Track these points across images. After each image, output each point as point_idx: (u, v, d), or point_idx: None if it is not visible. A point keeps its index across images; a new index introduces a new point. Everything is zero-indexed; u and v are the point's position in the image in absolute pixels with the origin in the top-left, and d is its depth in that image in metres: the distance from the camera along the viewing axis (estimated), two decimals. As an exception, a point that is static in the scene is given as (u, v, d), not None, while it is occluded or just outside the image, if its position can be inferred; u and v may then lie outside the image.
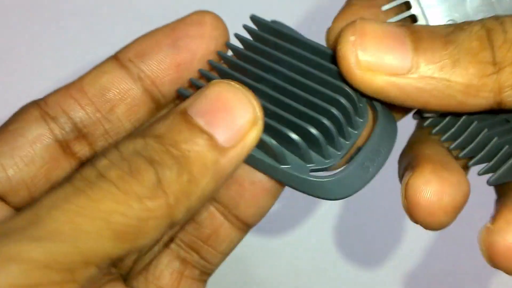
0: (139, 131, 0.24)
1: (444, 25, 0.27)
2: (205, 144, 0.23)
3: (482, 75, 0.25)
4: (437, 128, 0.30)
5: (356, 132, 0.28)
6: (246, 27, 0.30)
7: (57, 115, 0.29)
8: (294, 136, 0.27)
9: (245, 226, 0.31)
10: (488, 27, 0.25)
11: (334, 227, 0.56)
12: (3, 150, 0.28)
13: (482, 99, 0.25)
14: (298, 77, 0.28)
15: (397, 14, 0.29)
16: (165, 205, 0.22)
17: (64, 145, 0.29)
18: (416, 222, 0.28)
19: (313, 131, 0.27)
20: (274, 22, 0.30)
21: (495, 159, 0.29)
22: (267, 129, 0.26)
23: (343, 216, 0.56)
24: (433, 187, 0.27)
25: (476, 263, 0.56)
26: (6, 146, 0.28)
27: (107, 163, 0.23)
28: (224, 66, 0.29)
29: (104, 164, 0.23)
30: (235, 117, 0.24)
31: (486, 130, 0.29)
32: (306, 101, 0.28)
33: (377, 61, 0.25)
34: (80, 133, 0.29)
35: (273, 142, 0.27)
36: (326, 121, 0.27)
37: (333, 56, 0.28)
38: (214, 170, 0.24)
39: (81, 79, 0.29)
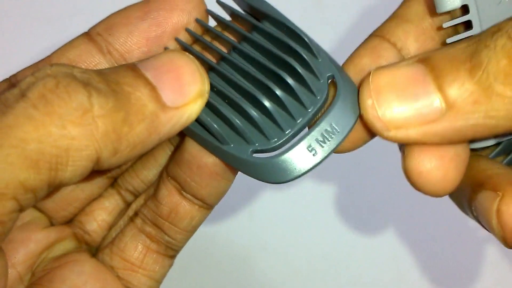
0: None
1: (463, 43, 0.24)
2: (148, 94, 0.22)
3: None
4: (495, 152, 0.28)
5: (309, 110, 0.26)
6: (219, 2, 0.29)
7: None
8: (231, 116, 0.26)
9: (205, 205, 0.30)
10: None
11: (334, 227, 0.56)
12: None
13: None
14: (257, 57, 0.27)
15: (452, 18, 0.27)
16: (91, 136, 0.20)
17: None
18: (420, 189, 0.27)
19: (252, 112, 0.26)
20: None
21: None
22: (213, 108, 0.26)
23: (343, 217, 0.56)
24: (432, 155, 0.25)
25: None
26: None
27: (31, 80, 0.20)
28: (188, 44, 0.29)
29: (28, 81, 0.20)
30: (183, 82, 0.23)
31: None
32: (255, 81, 0.27)
33: (404, 116, 0.24)
34: None
35: (209, 120, 0.26)
36: (266, 102, 0.26)
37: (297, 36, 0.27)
38: (151, 121, 0.22)
39: (50, 54, 0.28)
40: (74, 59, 0.27)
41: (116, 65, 0.28)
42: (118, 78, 0.22)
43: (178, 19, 0.28)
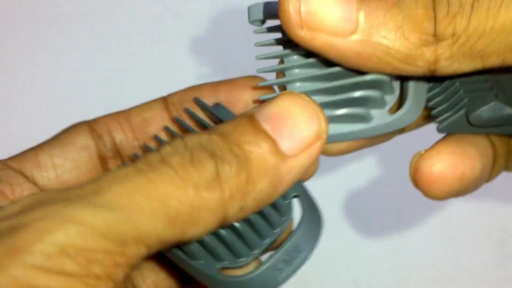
0: (207, 129, 0.26)
1: None
2: (267, 148, 0.24)
3: (421, 45, 0.25)
4: (433, 100, 0.30)
5: (275, 231, 0.28)
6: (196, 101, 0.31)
7: (103, 133, 0.31)
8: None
9: None
10: (435, 3, 0.25)
11: (334, 227, 0.56)
12: (55, 152, 0.30)
13: (418, 68, 0.26)
14: None
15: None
16: (220, 198, 0.23)
17: (102, 160, 0.31)
18: (419, 186, 0.30)
19: (222, 231, 0.27)
20: (216, 106, 0.31)
21: (451, 110, 0.30)
22: None
23: (343, 217, 0.56)
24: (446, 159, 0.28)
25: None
26: (57, 149, 0.31)
27: (170, 150, 0.24)
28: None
29: (168, 151, 0.23)
30: (301, 127, 0.25)
31: (457, 84, 0.30)
32: None
33: (319, 20, 0.25)
34: (118, 153, 0.31)
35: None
36: (236, 222, 0.27)
37: None
38: (273, 174, 0.24)
39: (129, 109, 0.32)
40: (148, 120, 0.31)
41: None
42: (239, 138, 0.24)
43: (242, 107, 0.31)
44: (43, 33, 0.59)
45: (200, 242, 0.27)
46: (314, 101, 0.25)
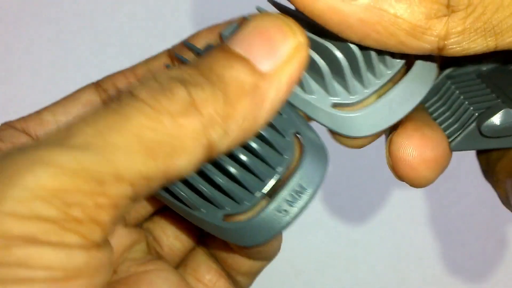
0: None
1: None
2: (241, 69, 0.23)
3: (432, 16, 0.24)
4: (434, 113, 0.30)
5: (276, 170, 0.27)
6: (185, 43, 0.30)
7: (108, 88, 0.31)
8: (198, 185, 0.26)
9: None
10: None
11: (334, 227, 0.56)
12: (58, 110, 0.30)
13: (425, 43, 0.24)
14: None
15: None
16: (199, 124, 0.22)
17: None
18: (400, 178, 0.28)
19: (218, 179, 0.26)
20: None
21: (458, 122, 0.29)
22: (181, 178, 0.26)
23: (343, 217, 0.56)
24: (415, 142, 0.27)
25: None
26: (61, 107, 0.30)
27: (139, 84, 0.23)
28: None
29: (136, 86, 0.23)
30: (275, 42, 0.23)
31: (459, 95, 0.29)
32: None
33: None
34: None
35: (177, 189, 0.27)
36: (231, 168, 0.26)
37: None
38: (253, 93, 0.23)
39: (136, 64, 0.31)
40: (153, 69, 0.31)
41: None
42: (209, 64, 0.23)
43: None
44: (43, 33, 0.59)
45: (199, 192, 0.26)
46: (284, 15, 0.24)
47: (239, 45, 0.23)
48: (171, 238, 0.32)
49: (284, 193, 0.26)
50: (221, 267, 0.32)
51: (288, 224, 0.26)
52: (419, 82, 0.27)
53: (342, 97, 0.27)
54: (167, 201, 0.28)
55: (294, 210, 0.26)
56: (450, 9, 0.24)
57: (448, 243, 0.56)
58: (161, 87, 0.22)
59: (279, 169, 0.26)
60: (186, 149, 0.22)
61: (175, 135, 0.22)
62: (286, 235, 0.59)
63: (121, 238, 0.30)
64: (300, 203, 0.26)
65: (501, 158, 0.29)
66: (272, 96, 0.23)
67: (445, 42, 0.24)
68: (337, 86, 0.27)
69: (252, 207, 0.27)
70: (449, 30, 0.24)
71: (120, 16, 0.58)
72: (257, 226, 0.26)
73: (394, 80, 0.27)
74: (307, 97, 0.27)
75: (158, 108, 0.22)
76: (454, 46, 0.24)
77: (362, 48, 0.26)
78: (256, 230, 0.26)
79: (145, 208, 0.31)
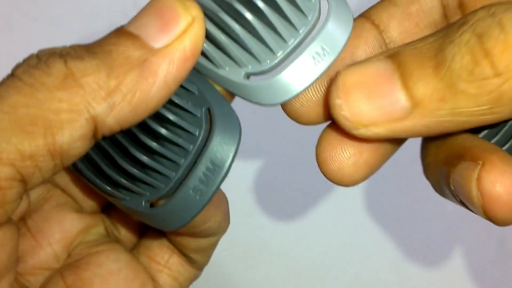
0: None
1: (431, 37, 0.24)
2: (129, 44, 0.23)
3: (488, 92, 0.22)
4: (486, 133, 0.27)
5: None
6: None
7: None
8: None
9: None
10: (479, 32, 0.22)
11: (334, 227, 0.56)
12: None
13: (500, 114, 0.23)
14: None
15: None
16: (78, 96, 0.21)
17: None
18: (492, 218, 0.24)
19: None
20: None
21: None
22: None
23: (343, 216, 0.56)
24: (510, 179, 0.23)
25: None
26: None
27: (19, 63, 0.22)
28: None
29: (16, 65, 0.22)
30: (165, 20, 0.23)
31: None
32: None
33: (371, 115, 0.24)
34: None
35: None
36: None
37: None
38: (142, 67, 0.22)
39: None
40: None
41: None
42: (100, 42, 0.23)
43: None
44: (43, 33, 0.59)
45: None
46: None
47: (133, 25, 0.23)
48: (126, 222, 0.33)
49: (197, 173, 0.26)
50: (173, 245, 0.32)
51: (204, 203, 0.26)
52: (335, 33, 0.26)
53: (253, 65, 0.26)
54: (100, 193, 0.28)
55: (208, 189, 0.26)
56: (502, 78, 0.21)
57: (448, 243, 0.56)
58: (37, 61, 0.22)
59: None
60: (66, 123, 0.21)
61: (52, 109, 0.21)
62: (286, 234, 0.59)
63: (73, 223, 0.31)
64: (213, 181, 0.26)
65: (439, 148, 0.27)
66: (164, 70, 0.23)
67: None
68: (245, 55, 0.26)
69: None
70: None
71: (119, 16, 0.58)
72: (175, 209, 0.26)
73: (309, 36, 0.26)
74: (220, 71, 0.27)
75: (32, 83, 0.21)
76: None
77: (270, 4, 0.25)
78: (175, 213, 0.26)
79: (100, 197, 0.32)
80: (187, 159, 0.26)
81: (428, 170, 0.28)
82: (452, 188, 0.25)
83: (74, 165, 0.28)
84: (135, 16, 0.24)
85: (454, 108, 0.22)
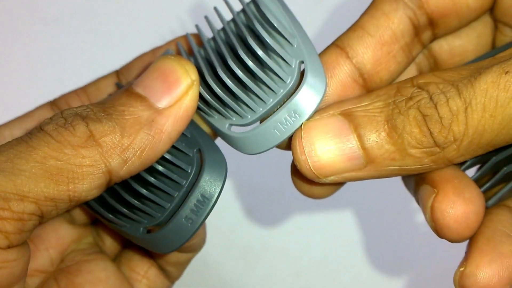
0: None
1: (378, 101, 0.28)
2: (139, 105, 0.27)
3: (429, 155, 0.27)
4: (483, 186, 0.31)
5: (183, 184, 0.30)
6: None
7: (62, 106, 0.34)
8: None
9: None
10: (424, 112, 0.27)
11: (334, 227, 0.56)
12: (15, 125, 0.34)
13: (438, 166, 0.28)
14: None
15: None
16: (98, 153, 0.26)
17: None
18: (444, 238, 0.30)
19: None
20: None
21: (497, 185, 0.31)
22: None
23: (343, 217, 0.56)
24: (459, 210, 0.28)
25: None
26: (18, 123, 0.34)
27: (47, 120, 0.27)
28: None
29: (45, 121, 0.27)
30: (169, 80, 0.28)
31: (494, 160, 0.30)
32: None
33: (332, 168, 0.28)
34: None
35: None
36: (136, 186, 0.30)
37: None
38: (150, 126, 0.27)
39: (88, 83, 0.35)
40: (101, 87, 0.35)
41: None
42: (113, 102, 0.27)
43: None
44: (44, 33, 0.59)
45: (120, 212, 0.31)
46: (180, 56, 0.29)
47: (140, 86, 0.28)
48: (111, 235, 0.37)
49: (189, 204, 0.30)
50: (152, 259, 0.36)
51: (194, 230, 0.30)
52: (306, 100, 0.29)
53: (236, 119, 0.31)
54: (102, 220, 0.33)
55: (198, 218, 0.30)
56: (440, 147, 0.27)
57: (448, 242, 0.56)
58: (64, 122, 0.26)
59: (183, 183, 0.30)
60: (86, 175, 0.26)
61: (76, 163, 0.26)
62: (286, 234, 0.59)
63: (67, 232, 0.35)
64: (202, 211, 0.30)
65: None
66: (169, 128, 0.27)
67: (451, 162, 0.28)
68: (229, 111, 0.31)
69: (164, 218, 0.31)
70: (449, 157, 0.27)
71: (120, 19, 0.58)
72: (169, 235, 0.30)
73: (287, 97, 0.30)
74: (210, 119, 0.31)
75: (60, 140, 0.26)
76: (460, 159, 0.27)
77: (251, 71, 0.29)
78: (169, 238, 0.30)
79: (90, 213, 0.37)
80: (180, 192, 0.30)
81: (404, 178, 0.33)
82: (419, 203, 0.30)
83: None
84: (141, 76, 0.28)
85: (402, 166, 0.28)
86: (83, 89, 0.35)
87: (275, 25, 0.29)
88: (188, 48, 0.33)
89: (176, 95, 0.27)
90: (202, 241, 0.36)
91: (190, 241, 0.32)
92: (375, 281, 0.55)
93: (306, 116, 0.29)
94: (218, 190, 0.30)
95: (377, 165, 0.28)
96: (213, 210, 0.32)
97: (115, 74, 0.35)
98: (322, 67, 0.30)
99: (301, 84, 0.29)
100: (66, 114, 0.27)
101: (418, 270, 0.55)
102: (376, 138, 0.28)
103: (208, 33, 0.32)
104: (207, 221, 0.31)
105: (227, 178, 0.31)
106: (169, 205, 0.30)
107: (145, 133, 0.27)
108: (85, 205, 0.32)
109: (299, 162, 0.29)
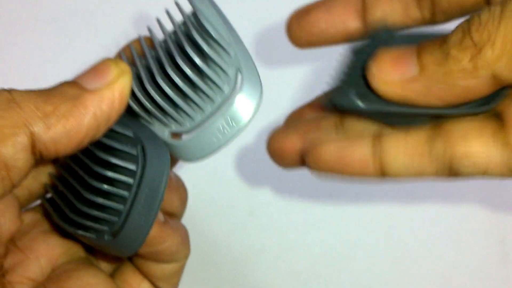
0: None
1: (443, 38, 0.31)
2: (68, 86, 0.28)
3: (470, 58, 0.29)
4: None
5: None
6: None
7: None
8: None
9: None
10: (468, 23, 0.29)
11: (334, 227, 0.56)
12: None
13: (481, 79, 0.29)
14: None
15: None
16: (18, 115, 0.27)
17: None
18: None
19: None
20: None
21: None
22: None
23: (343, 217, 0.56)
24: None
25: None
26: None
27: None
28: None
29: None
30: (99, 71, 0.29)
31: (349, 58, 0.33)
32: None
33: (393, 77, 0.31)
34: None
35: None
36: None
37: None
38: (75, 100, 0.28)
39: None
40: None
41: None
42: (48, 89, 0.28)
43: None
44: (44, 33, 0.59)
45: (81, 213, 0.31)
46: (116, 58, 0.31)
47: (76, 77, 0.29)
48: (103, 255, 0.37)
49: (139, 200, 0.31)
50: (143, 275, 0.37)
51: (150, 225, 0.31)
52: (243, 108, 0.31)
53: (175, 126, 0.32)
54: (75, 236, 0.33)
55: (150, 212, 0.31)
56: (478, 47, 0.29)
57: (448, 243, 0.56)
58: None
59: (132, 182, 0.31)
60: (8, 137, 0.26)
61: None
62: (286, 234, 0.59)
63: (57, 243, 0.35)
64: (152, 205, 0.31)
65: None
66: (94, 105, 0.28)
67: (494, 71, 0.29)
68: (168, 118, 0.32)
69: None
70: (488, 59, 0.29)
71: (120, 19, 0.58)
72: (129, 235, 0.31)
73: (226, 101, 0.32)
74: (151, 126, 0.32)
75: None
76: (504, 70, 0.29)
77: (189, 81, 0.31)
78: (130, 238, 0.31)
79: None
80: (131, 192, 0.31)
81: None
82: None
83: (48, 216, 0.34)
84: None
85: (447, 71, 0.29)
86: None
87: (212, 34, 0.31)
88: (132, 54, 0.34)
89: (105, 81, 0.29)
90: (184, 248, 0.36)
91: (164, 242, 0.33)
92: (375, 281, 0.55)
93: (243, 124, 0.31)
94: (163, 182, 0.31)
95: (427, 71, 0.30)
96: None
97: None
98: (258, 76, 0.31)
99: (237, 92, 0.31)
100: None
101: (418, 270, 0.55)
102: (429, 49, 0.30)
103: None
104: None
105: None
106: (123, 207, 0.31)
107: (70, 103, 0.28)
108: (54, 223, 0.33)
109: (371, 73, 0.31)
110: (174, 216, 0.36)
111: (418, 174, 0.32)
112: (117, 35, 0.57)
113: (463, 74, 0.29)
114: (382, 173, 0.33)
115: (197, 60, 0.30)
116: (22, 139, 0.27)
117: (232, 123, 0.31)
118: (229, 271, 0.55)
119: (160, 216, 0.34)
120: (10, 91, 0.27)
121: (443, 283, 0.55)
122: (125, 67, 0.29)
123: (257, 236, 0.55)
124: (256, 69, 0.31)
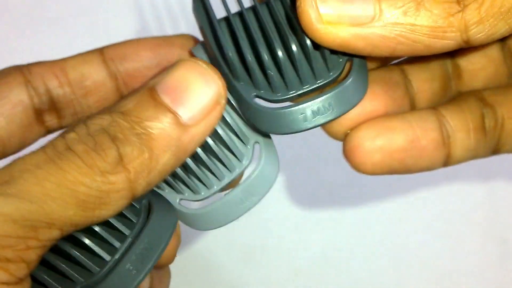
0: (109, 107, 0.27)
1: None
2: (168, 122, 0.26)
3: (447, 15, 0.25)
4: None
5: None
6: None
7: (38, 86, 0.32)
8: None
9: None
10: None
11: (334, 227, 0.56)
12: None
13: (450, 40, 0.25)
14: None
15: None
16: (126, 180, 0.25)
17: (38, 113, 0.32)
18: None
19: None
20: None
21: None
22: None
23: (343, 216, 0.56)
24: None
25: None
26: None
27: (75, 136, 0.25)
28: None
29: (72, 137, 0.25)
30: (199, 95, 0.26)
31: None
32: None
33: (339, 13, 0.25)
34: (53, 106, 0.32)
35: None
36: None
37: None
38: (176, 146, 0.26)
39: (65, 60, 0.33)
40: (86, 74, 0.32)
41: (117, 90, 0.33)
42: (139, 114, 0.26)
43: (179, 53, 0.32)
44: (44, 33, 0.59)
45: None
46: (211, 67, 0.26)
47: (168, 94, 0.26)
48: None
49: (135, 251, 0.28)
50: None
51: (140, 278, 0.28)
52: (261, 182, 0.30)
53: (188, 194, 0.30)
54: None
55: (144, 266, 0.28)
56: (461, 4, 0.25)
57: (448, 243, 0.56)
58: (94, 143, 0.25)
59: (129, 233, 0.28)
60: (113, 201, 0.25)
61: (104, 190, 0.25)
62: (286, 234, 0.59)
63: None
64: (147, 261, 0.28)
65: None
66: (191, 147, 0.26)
67: (468, 34, 0.25)
68: (182, 186, 0.30)
69: (105, 273, 0.28)
70: (467, 23, 0.25)
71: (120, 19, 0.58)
72: (117, 282, 0.28)
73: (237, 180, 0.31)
74: (160, 192, 0.31)
75: (91, 165, 0.24)
76: (479, 35, 0.25)
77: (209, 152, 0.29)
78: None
79: None
80: (124, 243, 0.28)
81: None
82: None
83: None
84: (168, 79, 0.26)
85: (415, 24, 0.25)
86: (62, 68, 0.32)
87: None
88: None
89: (204, 111, 0.26)
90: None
91: None
92: (375, 281, 0.55)
93: (259, 197, 0.30)
94: (165, 241, 0.29)
95: (387, 17, 0.25)
96: None
97: (99, 54, 0.33)
98: (275, 150, 0.31)
99: (256, 167, 0.30)
100: (92, 129, 0.25)
101: (418, 270, 0.55)
102: None
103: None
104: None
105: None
106: (110, 257, 0.28)
107: (171, 154, 0.26)
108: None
109: (306, 8, 0.26)
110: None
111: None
112: (117, 35, 0.57)
113: (432, 32, 0.25)
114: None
115: (220, 130, 0.29)
116: (124, 202, 0.25)
117: (250, 196, 0.30)
118: (229, 271, 0.55)
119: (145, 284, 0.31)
120: (117, 145, 0.25)
121: (443, 283, 0.55)
122: (223, 89, 0.26)
123: (257, 236, 0.55)
124: (273, 144, 0.31)
